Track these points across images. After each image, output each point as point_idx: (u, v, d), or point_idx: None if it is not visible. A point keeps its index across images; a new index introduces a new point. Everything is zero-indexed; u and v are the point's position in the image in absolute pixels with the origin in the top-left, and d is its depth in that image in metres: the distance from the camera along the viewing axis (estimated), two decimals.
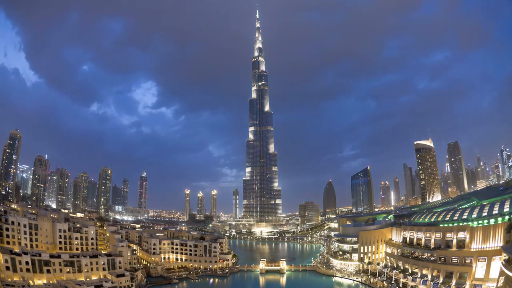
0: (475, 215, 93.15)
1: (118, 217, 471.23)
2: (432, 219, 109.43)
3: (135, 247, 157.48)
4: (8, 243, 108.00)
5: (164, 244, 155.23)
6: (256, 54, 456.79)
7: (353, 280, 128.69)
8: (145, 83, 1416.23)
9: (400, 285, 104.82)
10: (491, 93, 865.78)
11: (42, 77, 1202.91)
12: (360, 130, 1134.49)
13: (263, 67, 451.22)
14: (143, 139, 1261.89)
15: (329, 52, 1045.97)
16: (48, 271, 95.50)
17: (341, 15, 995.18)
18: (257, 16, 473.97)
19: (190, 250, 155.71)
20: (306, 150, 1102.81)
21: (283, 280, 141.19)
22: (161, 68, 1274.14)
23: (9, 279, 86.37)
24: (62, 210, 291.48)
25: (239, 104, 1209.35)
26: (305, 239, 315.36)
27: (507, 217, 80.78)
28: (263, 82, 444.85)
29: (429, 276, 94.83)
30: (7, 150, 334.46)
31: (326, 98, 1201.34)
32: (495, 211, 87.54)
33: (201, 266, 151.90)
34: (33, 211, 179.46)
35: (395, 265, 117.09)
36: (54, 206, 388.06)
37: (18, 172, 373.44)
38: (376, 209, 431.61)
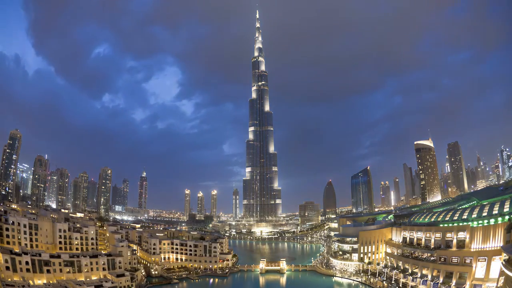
0: (475, 215, 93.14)
1: (118, 217, 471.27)
2: (432, 219, 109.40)
3: (135, 247, 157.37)
4: (8, 243, 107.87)
5: (164, 244, 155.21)
6: (256, 54, 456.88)
7: (353, 280, 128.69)
8: (168, 70, 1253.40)
9: (400, 285, 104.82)
10: (504, 94, 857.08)
11: (48, 63, 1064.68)
12: (379, 128, 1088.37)
13: (263, 67, 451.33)
14: (156, 136, 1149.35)
15: (364, 47, 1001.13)
16: (48, 271, 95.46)
17: (388, 10, 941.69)
18: (257, 16, 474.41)
19: (190, 250, 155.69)
20: (321, 149, 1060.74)
21: (283, 280, 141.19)
22: (189, 52, 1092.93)
23: (9, 279, 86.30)
24: (62, 210, 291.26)
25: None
26: (305, 239, 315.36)
27: (507, 217, 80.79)
28: (263, 82, 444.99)
29: (429, 276, 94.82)
30: (7, 150, 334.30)
31: (352, 95, 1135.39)
32: (495, 211, 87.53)
33: (201, 266, 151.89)
34: (33, 211, 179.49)
35: (395, 265, 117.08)
36: (54, 206, 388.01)
37: (18, 172, 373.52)
38: (376, 209, 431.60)
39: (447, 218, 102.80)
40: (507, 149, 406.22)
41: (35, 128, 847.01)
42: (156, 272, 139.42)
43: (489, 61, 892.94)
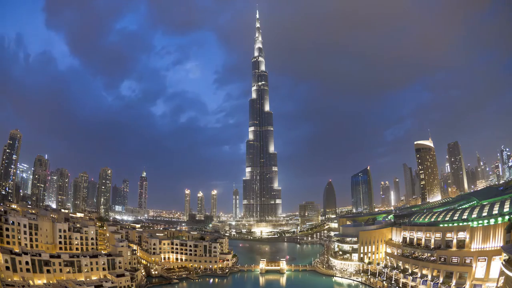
0: (475, 215, 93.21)
1: (118, 217, 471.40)
2: (432, 219, 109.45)
3: (135, 247, 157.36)
4: (8, 243, 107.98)
5: (164, 244, 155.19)
6: (256, 54, 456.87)
7: (353, 280, 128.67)
8: (206, 52, 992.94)
9: (400, 285, 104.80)
10: None
11: (59, 41, 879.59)
12: (402, 125, 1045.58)
13: (263, 67, 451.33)
14: (173, 131, 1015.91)
15: (400, 44, 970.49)
16: (48, 271, 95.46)
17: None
18: (257, 16, 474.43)
19: (190, 250, 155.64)
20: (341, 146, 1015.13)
21: (283, 280, 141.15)
22: (239, 29, 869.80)
23: (9, 279, 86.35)
24: (62, 210, 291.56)
25: (309, 85, 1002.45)
26: (305, 239, 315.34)
27: (507, 217, 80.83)
28: (263, 82, 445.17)
29: (429, 276, 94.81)
30: (7, 150, 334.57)
31: (380, 91, 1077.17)
32: (495, 211, 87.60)
33: (201, 266, 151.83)
34: (33, 211, 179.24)
35: (395, 265, 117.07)
36: (54, 206, 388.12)
37: (18, 172, 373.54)
38: (376, 209, 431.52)
39: (447, 218, 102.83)
40: (507, 149, 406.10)
41: (36, 121, 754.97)
42: (156, 272, 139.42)
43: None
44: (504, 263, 64.05)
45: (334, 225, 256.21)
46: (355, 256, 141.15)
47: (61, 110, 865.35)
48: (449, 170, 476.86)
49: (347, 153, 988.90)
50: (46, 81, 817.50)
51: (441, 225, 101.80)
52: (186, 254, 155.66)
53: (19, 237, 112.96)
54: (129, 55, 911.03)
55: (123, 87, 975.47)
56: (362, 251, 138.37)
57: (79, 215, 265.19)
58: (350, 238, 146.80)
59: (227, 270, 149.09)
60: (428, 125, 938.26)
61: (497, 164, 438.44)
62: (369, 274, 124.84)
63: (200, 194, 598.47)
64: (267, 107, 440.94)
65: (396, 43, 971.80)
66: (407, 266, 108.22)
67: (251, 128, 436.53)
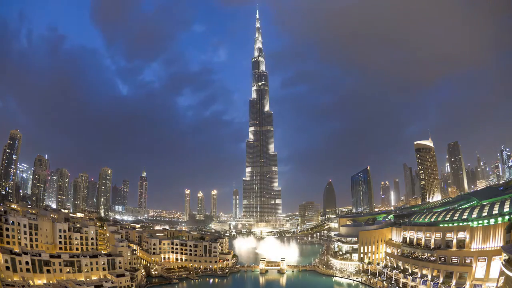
0: (475, 215, 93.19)
1: (118, 217, 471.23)
2: (432, 219, 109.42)
3: (135, 247, 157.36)
4: (8, 243, 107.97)
5: (164, 244, 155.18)
6: (256, 54, 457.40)
7: (353, 280, 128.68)
8: (249, 32, 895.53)
9: (400, 285, 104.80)
10: None
11: (78, 11, 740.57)
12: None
13: (263, 67, 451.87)
14: (197, 125, 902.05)
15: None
16: (48, 271, 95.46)
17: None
18: (257, 16, 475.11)
19: (190, 250, 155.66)
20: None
21: (283, 280, 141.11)
22: (295, 8, 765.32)
23: (9, 279, 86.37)
24: (62, 210, 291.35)
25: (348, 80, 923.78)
26: (305, 239, 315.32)
27: (507, 217, 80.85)
28: (263, 82, 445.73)
29: (429, 276, 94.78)
30: (7, 150, 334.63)
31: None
32: (495, 211, 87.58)
33: (201, 266, 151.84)
34: (33, 211, 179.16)
35: (395, 265, 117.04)
36: (54, 206, 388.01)
37: (18, 172, 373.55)
38: (376, 209, 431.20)
39: (447, 218, 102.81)
40: (507, 149, 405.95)
41: (37, 114, 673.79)
42: (156, 272, 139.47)
43: None
44: (504, 263, 64.05)
45: (334, 225, 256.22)
46: (355, 256, 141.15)
47: (66, 100, 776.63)
48: (449, 170, 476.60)
49: (352, 153, 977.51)
50: (52, 64, 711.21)
51: (441, 225, 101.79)
52: (186, 254, 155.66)
53: (19, 237, 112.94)
54: (160, 31, 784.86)
55: (147, 73, 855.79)
56: (362, 251, 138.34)
57: (79, 215, 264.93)
58: (350, 238, 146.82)
59: (227, 270, 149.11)
60: (435, 125, 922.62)
61: (497, 164, 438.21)
62: (369, 274, 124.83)
63: (200, 194, 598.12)
64: (267, 107, 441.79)
65: (423, 41, 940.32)
66: (407, 266, 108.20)
67: (251, 128, 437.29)
